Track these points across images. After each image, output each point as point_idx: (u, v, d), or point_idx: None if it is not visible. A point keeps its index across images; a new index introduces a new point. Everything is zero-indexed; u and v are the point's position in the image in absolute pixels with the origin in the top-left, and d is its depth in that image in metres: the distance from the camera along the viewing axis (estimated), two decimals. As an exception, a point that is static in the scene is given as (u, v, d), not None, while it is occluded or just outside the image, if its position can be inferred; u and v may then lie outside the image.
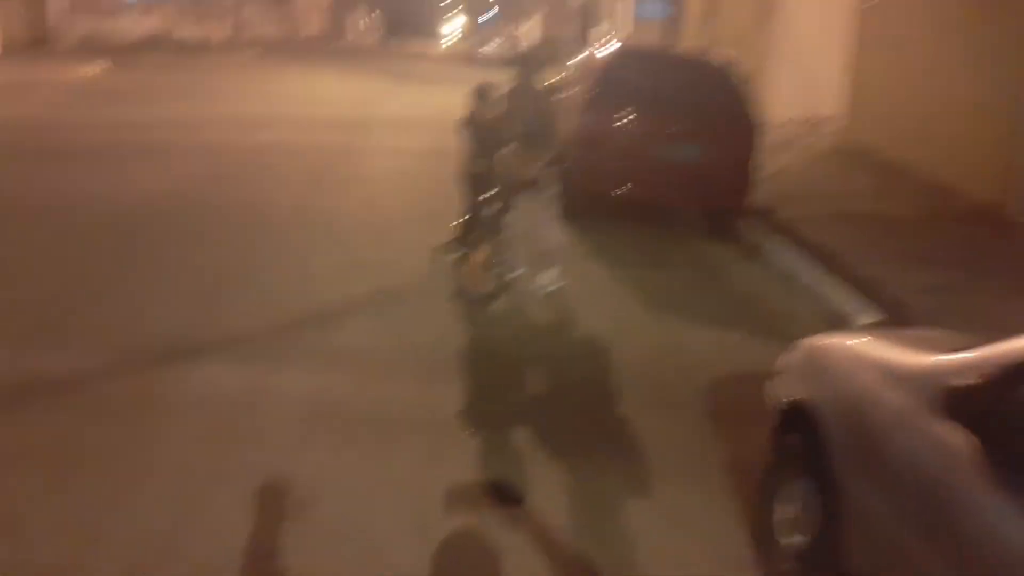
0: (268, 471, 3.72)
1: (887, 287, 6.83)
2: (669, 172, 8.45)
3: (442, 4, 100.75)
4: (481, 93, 6.28)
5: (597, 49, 10.05)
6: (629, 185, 8.44)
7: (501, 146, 6.18)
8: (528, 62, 7.29)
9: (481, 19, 76.64)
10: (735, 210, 8.85)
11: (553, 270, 6.44)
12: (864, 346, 3.11)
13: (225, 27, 37.27)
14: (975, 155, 9.54)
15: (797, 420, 3.27)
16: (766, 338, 5.81)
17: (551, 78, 10.17)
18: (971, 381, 2.30)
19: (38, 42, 23.09)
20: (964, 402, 2.30)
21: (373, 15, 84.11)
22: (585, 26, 28.63)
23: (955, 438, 2.36)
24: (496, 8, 72.48)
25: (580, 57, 10.49)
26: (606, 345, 5.72)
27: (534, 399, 4.95)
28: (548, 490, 3.82)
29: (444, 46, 65.65)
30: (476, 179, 6.19)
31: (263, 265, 6.48)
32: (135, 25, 32.94)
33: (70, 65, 20.27)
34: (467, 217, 6.36)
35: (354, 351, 5.09)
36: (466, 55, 38.21)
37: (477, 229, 6.18)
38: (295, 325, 5.39)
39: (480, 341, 5.56)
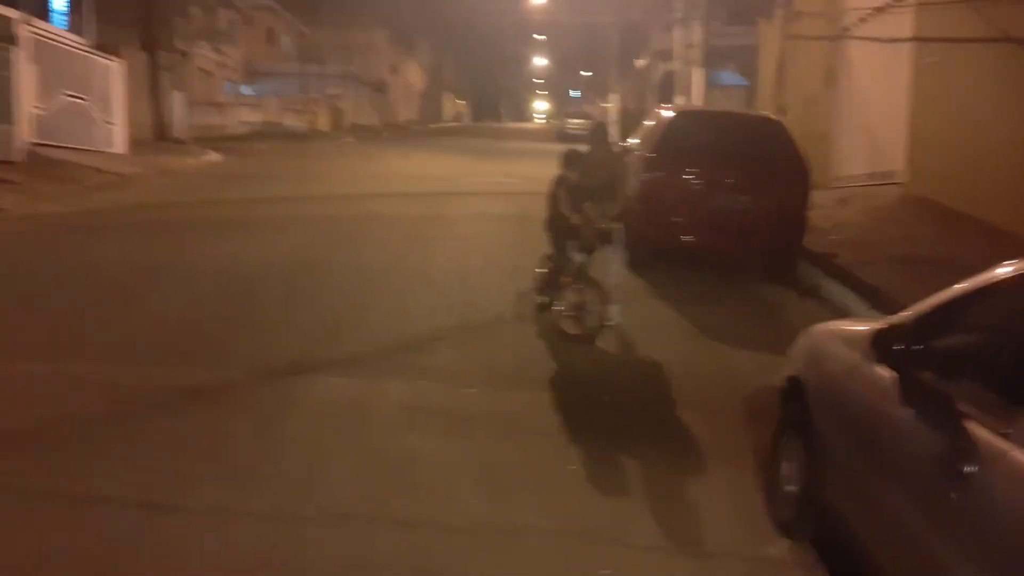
0: (374, 447, 4.73)
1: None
2: (726, 221, 9.27)
3: (529, 86, 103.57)
4: (567, 157, 7.21)
5: (661, 112, 11.04)
6: (690, 234, 9.31)
7: (583, 202, 7.08)
8: (600, 130, 8.30)
9: (568, 97, 78.77)
10: (790, 254, 9.58)
11: (617, 307, 7.31)
12: (837, 325, 3.92)
13: (326, 116, 40.01)
14: (1029, 199, 10.04)
15: (794, 391, 4.08)
16: (806, 357, 6.54)
17: (625, 142, 11.22)
18: (884, 327, 3.11)
19: (161, 136, 25.60)
20: (883, 344, 3.11)
21: (462, 100, 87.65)
22: (663, 99, 29.79)
23: (883, 375, 3.16)
24: (581, 88, 74.71)
25: (647, 121, 11.50)
26: (664, 365, 6.57)
27: (601, 404, 5.80)
28: (609, 468, 4.70)
29: (530, 125, 67.84)
30: (563, 231, 7.07)
31: (368, 306, 7.60)
32: (245, 117, 35.86)
33: (192, 155, 22.48)
34: (554, 265, 7.22)
35: (441, 368, 6.10)
36: (551, 132, 39.84)
37: (564, 275, 6.99)
38: (394, 349, 6.44)
39: (555, 362, 6.48)
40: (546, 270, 7.40)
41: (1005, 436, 2.46)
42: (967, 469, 2.52)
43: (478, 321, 7.31)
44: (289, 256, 9.60)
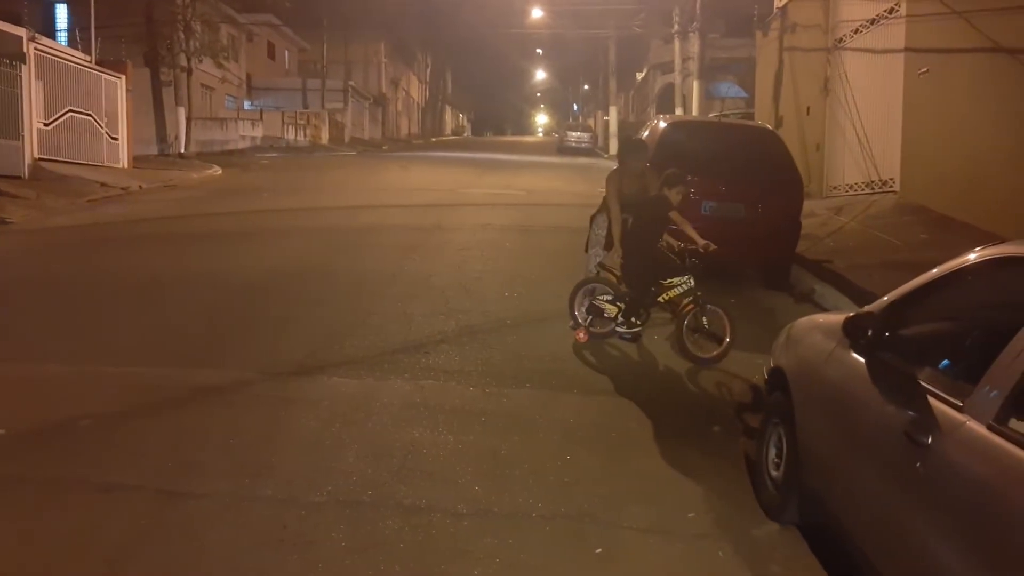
0: (379, 439, 4.94)
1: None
2: (719, 228, 9.45)
3: (531, 100, 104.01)
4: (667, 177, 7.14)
5: (656, 123, 11.28)
6: (683, 241, 9.49)
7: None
8: (633, 148, 7.96)
9: (570, 110, 79.11)
10: (785, 261, 9.79)
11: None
12: (816, 317, 4.13)
13: (327, 130, 40.35)
14: (1019, 206, 10.26)
15: (777, 381, 4.28)
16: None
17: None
18: (854, 315, 3.32)
19: (164, 151, 25.94)
20: (853, 331, 3.32)
21: (464, 114, 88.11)
22: (662, 111, 30.10)
23: (854, 360, 3.37)
24: (581, 101, 75.18)
25: (643, 132, 11.73)
26: (658, 366, 6.80)
27: (596, 400, 5.98)
28: (603, 458, 4.90)
29: (531, 138, 68.20)
30: (649, 258, 7.12)
31: (370, 311, 7.82)
32: (246, 132, 36.20)
33: (195, 169, 22.79)
34: (638, 292, 7.09)
35: (443, 368, 6.32)
36: (551, 145, 40.12)
37: (686, 301, 6.98)
38: (396, 351, 6.66)
39: (552, 362, 6.69)
40: (611, 298, 7.18)
41: (959, 409, 2.67)
42: (929, 440, 2.72)
43: (478, 325, 7.52)
44: (293, 265, 9.84)
